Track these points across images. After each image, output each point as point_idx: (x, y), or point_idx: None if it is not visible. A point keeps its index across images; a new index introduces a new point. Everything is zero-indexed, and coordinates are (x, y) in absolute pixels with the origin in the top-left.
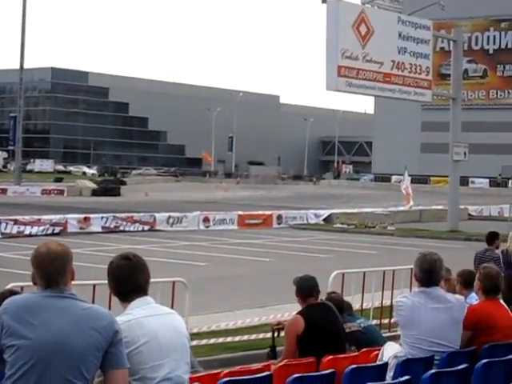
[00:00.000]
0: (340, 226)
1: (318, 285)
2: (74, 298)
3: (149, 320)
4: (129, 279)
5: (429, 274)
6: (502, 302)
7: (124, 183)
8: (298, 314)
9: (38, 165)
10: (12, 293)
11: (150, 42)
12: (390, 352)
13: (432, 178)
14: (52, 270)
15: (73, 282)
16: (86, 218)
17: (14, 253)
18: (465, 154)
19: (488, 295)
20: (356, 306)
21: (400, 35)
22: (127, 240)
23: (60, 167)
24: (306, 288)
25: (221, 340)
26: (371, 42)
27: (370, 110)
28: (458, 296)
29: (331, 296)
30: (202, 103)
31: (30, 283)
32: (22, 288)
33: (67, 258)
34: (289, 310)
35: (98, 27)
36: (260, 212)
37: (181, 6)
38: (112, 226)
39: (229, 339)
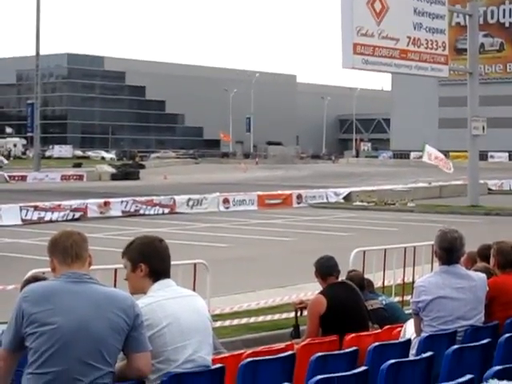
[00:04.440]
0: (360, 203)
1: (338, 264)
2: (93, 282)
3: (170, 302)
4: (166, 260)
5: (449, 252)
6: None
7: (143, 167)
8: (319, 293)
9: (57, 151)
10: (36, 279)
11: (165, 24)
12: (413, 329)
13: (451, 154)
14: (69, 256)
15: (94, 267)
16: (105, 203)
17: (35, 239)
18: (483, 128)
19: (503, 270)
20: (378, 284)
21: (415, 11)
22: (147, 223)
23: (78, 152)
24: (326, 268)
25: (244, 321)
26: (386, 19)
27: (387, 86)
28: (479, 273)
29: (351, 274)
30: (219, 85)
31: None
32: (43, 274)
33: (83, 243)
34: (311, 289)
35: (112, 12)
36: (280, 192)
37: None
38: (132, 209)
39: (252, 320)
